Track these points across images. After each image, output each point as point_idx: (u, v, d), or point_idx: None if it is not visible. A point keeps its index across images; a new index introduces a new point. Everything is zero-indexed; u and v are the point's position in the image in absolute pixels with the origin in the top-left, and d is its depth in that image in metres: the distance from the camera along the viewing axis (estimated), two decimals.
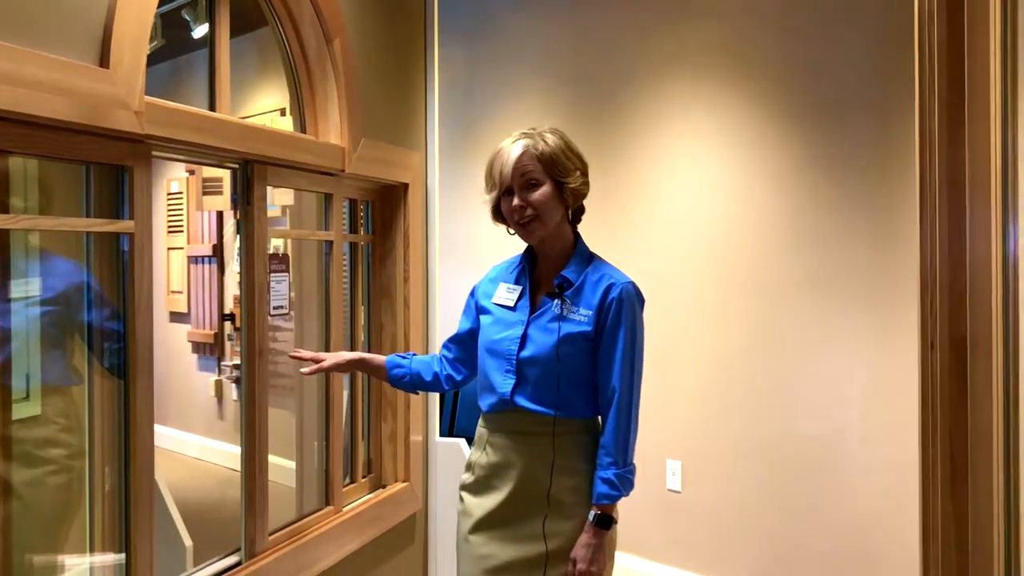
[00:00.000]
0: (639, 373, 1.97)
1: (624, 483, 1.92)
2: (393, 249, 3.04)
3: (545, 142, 1.95)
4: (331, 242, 2.72)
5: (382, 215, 3.06)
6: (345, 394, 2.87)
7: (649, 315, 3.91)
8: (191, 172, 5.48)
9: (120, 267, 1.94)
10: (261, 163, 2.32)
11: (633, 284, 1.98)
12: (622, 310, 1.93)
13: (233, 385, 5.42)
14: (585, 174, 2.01)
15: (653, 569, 3.79)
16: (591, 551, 1.89)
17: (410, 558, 3.12)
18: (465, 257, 4.14)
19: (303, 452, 2.92)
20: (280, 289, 2.41)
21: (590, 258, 2.02)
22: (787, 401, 3.43)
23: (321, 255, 2.76)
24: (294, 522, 2.57)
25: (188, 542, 3.06)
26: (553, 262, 2.01)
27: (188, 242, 5.70)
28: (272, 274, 2.36)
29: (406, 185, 3.02)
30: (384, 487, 3.03)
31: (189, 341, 5.72)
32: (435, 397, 3.25)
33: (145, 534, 1.94)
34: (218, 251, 5.47)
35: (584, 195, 2.03)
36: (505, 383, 1.95)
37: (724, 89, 3.60)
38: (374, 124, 2.84)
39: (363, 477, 2.97)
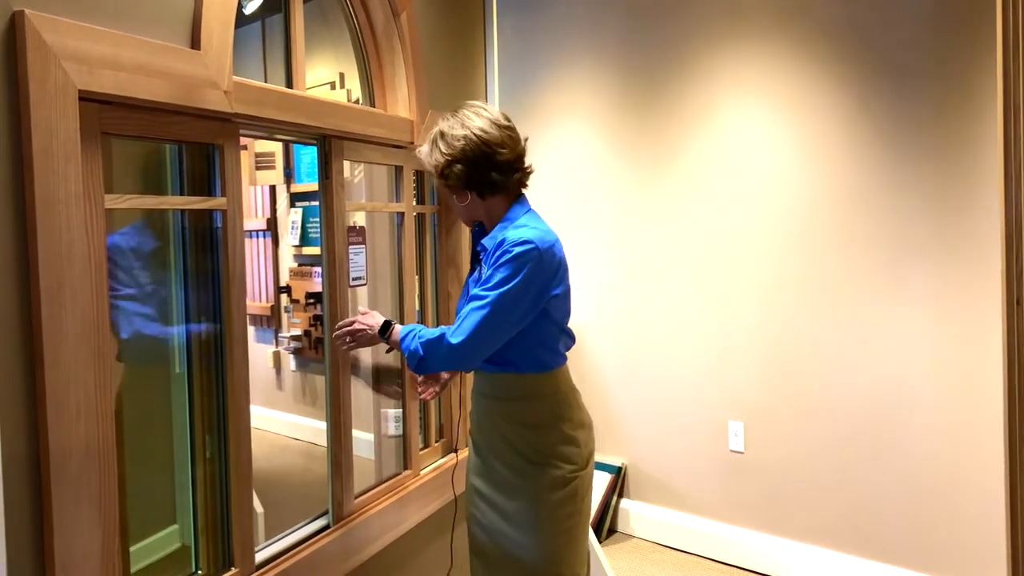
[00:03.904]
0: (498, 315, 1.90)
1: (411, 351, 2.01)
2: (458, 219, 3.08)
3: (419, 156, 2.11)
4: (402, 213, 2.77)
5: None
6: None
7: (711, 278, 3.89)
8: (244, 147, 5.54)
9: (212, 242, 2.01)
10: (338, 138, 2.37)
11: (524, 241, 1.92)
12: (498, 261, 1.92)
13: (291, 356, 5.52)
14: (456, 159, 1.98)
15: (717, 529, 3.84)
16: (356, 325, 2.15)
17: None
18: None
19: (378, 419, 2.99)
20: (358, 261, 2.46)
21: (512, 222, 2.02)
22: (849, 361, 3.44)
23: (393, 226, 2.81)
24: (376, 486, 2.65)
25: (259, 508, 3.17)
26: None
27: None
28: (350, 246, 2.41)
29: None
30: (455, 451, 3.10)
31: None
32: None
33: (246, 501, 2.02)
34: (272, 225, 5.55)
35: (467, 176, 1.99)
36: None
37: (781, 51, 3.56)
38: (438, 96, 2.87)
39: (435, 442, 3.04)
